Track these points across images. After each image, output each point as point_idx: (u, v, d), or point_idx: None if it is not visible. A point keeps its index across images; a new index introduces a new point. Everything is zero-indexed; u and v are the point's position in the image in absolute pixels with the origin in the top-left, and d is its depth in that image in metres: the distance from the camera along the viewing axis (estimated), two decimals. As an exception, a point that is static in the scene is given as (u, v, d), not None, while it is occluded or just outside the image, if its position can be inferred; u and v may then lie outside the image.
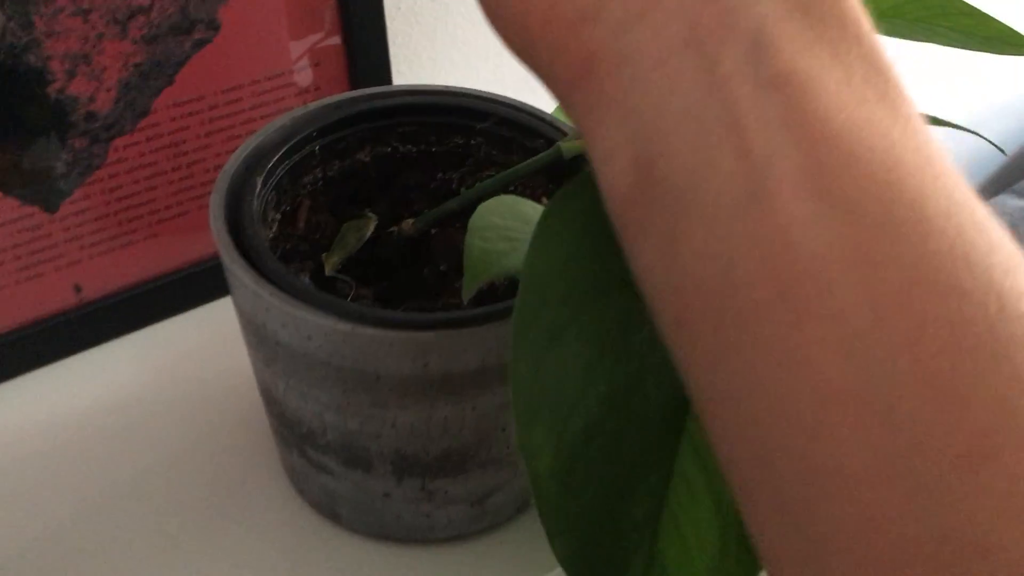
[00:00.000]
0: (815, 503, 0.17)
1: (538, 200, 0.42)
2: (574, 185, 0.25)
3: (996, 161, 1.37)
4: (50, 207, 0.47)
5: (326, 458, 0.40)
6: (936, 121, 0.36)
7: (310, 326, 0.34)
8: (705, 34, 0.19)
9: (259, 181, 0.38)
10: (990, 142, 0.43)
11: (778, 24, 0.19)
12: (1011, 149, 1.38)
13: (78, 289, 0.50)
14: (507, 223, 0.31)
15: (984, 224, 0.18)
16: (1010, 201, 1.19)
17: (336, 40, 0.53)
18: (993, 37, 0.42)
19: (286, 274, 0.35)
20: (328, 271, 0.40)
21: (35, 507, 0.44)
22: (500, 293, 0.39)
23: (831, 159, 0.18)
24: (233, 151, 0.47)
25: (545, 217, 0.25)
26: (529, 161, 0.39)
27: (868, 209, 0.18)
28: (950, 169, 0.19)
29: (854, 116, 0.18)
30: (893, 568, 0.17)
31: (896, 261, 0.17)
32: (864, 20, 0.20)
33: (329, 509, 0.43)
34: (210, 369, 0.51)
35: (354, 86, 0.54)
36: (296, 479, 0.44)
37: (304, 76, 0.52)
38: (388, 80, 0.55)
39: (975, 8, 0.41)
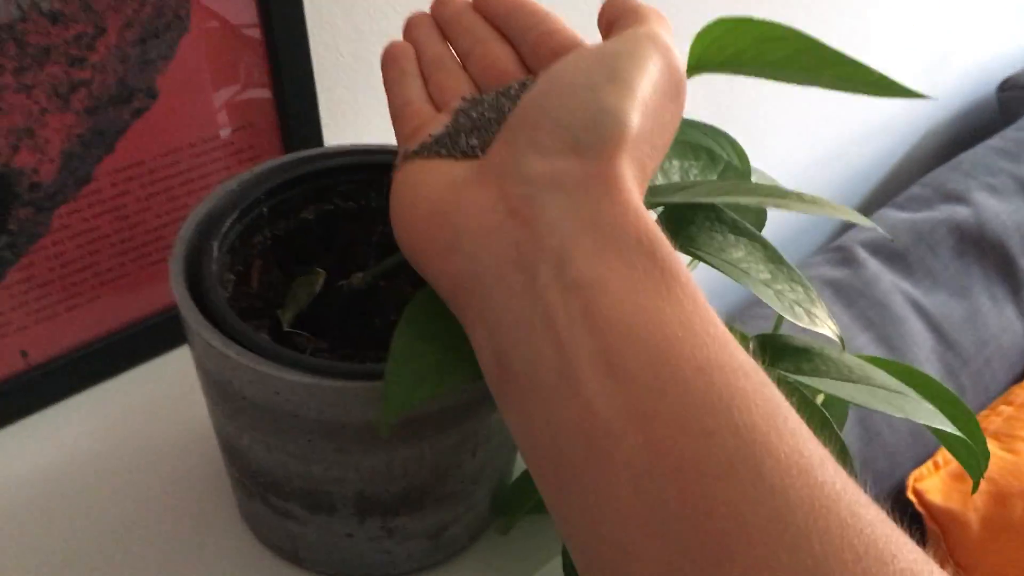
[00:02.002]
0: None
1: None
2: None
3: (878, 175, 1.46)
4: (-4, 276, 0.48)
5: (290, 504, 0.42)
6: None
7: (277, 382, 0.36)
8: (526, 255, 0.27)
9: (215, 245, 0.41)
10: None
11: (575, 240, 0.26)
12: (890, 165, 1.48)
13: (24, 354, 0.51)
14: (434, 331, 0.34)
15: (731, 369, 0.24)
16: (891, 213, 1.27)
17: (268, 98, 0.55)
18: (872, 83, 0.47)
19: (250, 334, 0.37)
20: (285, 327, 0.42)
21: (-3, 572, 0.45)
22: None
23: (615, 342, 0.24)
24: (172, 212, 0.49)
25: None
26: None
27: (642, 377, 0.24)
28: (708, 330, 0.25)
29: (633, 305, 0.25)
30: None
31: (662, 414, 0.23)
32: (643, 226, 0.27)
33: (291, 552, 0.45)
34: (160, 423, 0.52)
35: (286, 145, 0.56)
36: (257, 526, 0.46)
37: (238, 136, 0.55)
38: (319, 136, 0.57)
39: (855, 59, 0.47)
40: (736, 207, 0.44)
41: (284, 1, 0.52)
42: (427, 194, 0.31)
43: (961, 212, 1.24)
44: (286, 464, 0.40)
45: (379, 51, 0.65)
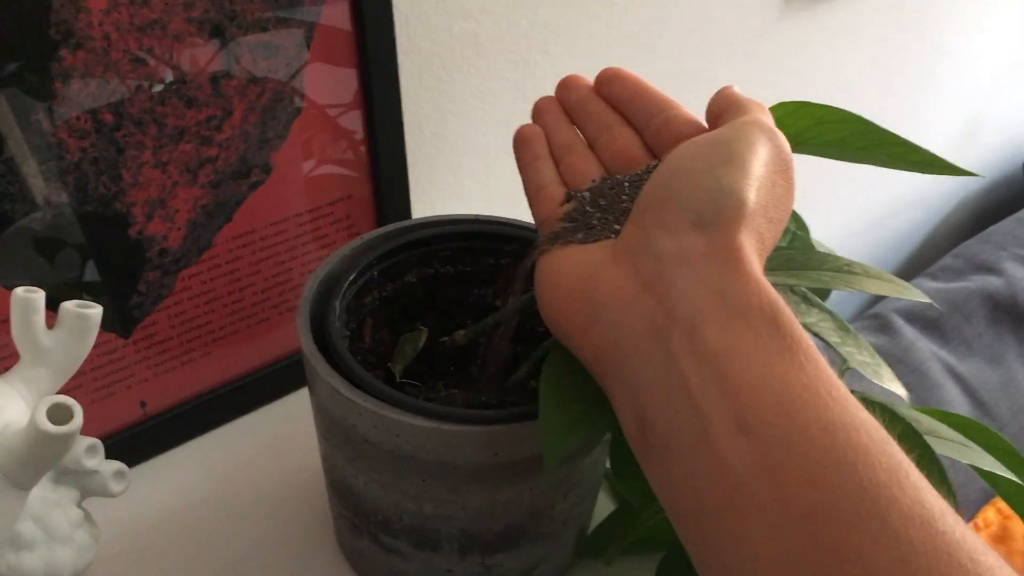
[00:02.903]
0: None
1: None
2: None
3: (910, 246, 1.50)
4: (125, 333, 0.53)
5: (397, 541, 0.46)
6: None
7: (400, 426, 0.40)
8: (660, 325, 0.30)
9: (337, 305, 0.45)
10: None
11: (705, 312, 0.29)
12: (922, 237, 1.52)
13: (143, 404, 0.55)
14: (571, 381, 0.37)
15: (853, 428, 0.26)
16: (925, 283, 1.31)
17: (365, 172, 0.60)
18: (920, 161, 0.51)
19: (373, 382, 0.42)
20: (397, 378, 0.46)
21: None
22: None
23: (746, 403, 0.27)
24: (278, 275, 0.55)
25: None
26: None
27: (771, 435, 0.26)
28: (832, 392, 0.27)
29: (761, 370, 0.27)
30: None
31: (790, 469, 0.26)
32: (765, 296, 0.29)
33: (393, 588, 0.49)
34: (264, 468, 0.56)
35: (379, 215, 0.62)
36: (360, 562, 0.50)
37: (337, 207, 0.60)
38: (408, 208, 0.63)
39: (908, 140, 0.51)
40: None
41: (383, 83, 0.58)
42: (568, 275, 0.34)
43: (993, 282, 1.27)
44: (399, 503, 0.44)
45: (458, 130, 0.71)
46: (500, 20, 0.69)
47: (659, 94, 0.40)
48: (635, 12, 0.79)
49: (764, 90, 1.00)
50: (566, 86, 0.42)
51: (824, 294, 0.51)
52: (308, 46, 0.54)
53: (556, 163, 0.41)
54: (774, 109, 0.45)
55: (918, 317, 1.22)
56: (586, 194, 0.38)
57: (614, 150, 0.39)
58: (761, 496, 0.26)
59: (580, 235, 0.36)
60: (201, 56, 0.50)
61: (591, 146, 0.41)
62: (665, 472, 0.29)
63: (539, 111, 0.43)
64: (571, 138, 0.41)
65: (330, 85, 0.56)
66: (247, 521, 0.53)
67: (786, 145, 0.34)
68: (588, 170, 0.39)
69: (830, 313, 0.46)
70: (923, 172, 0.50)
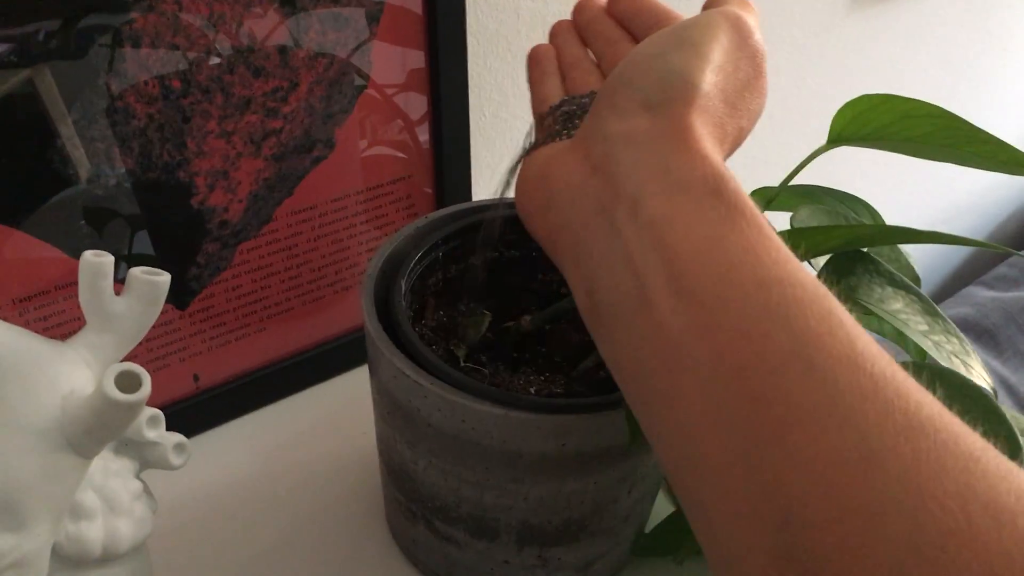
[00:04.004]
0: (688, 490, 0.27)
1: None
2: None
3: (965, 253, 1.47)
4: (181, 305, 0.52)
5: (454, 529, 0.45)
6: (939, 236, 0.43)
7: (466, 411, 0.39)
8: (606, 202, 0.31)
9: (403, 284, 0.44)
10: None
11: (646, 185, 0.30)
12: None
13: (196, 378, 0.55)
14: None
15: (789, 283, 0.26)
16: (979, 291, 1.28)
17: (427, 152, 0.59)
18: (1011, 161, 0.49)
19: (441, 364, 0.40)
20: (461, 362, 0.45)
21: (171, 579, 0.48)
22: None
23: (683, 267, 0.28)
24: (336, 253, 0.54)
25: None
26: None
27: (706, 295, 0.27)
28: (771, 254, 0.27)
29: (699, 235, 0.28)
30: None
31: (724, 325, 0.26)
32: (710, 169, 0.29)
33: (445, 577, 0.48)
34: (316, 448, 0.55)
35: (439, 196, 0.60)
36: (413, 549, 0.49)
37: (398, 187, 0.59)
38: (468, 189, 0.61)
39: (994, 136, 0.49)
40: (891, 260, 0.46)
41: (451, 65, 0.56)
42: (534, 167, 0.36)
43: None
44: (459, 490, 0.43)
45: (518, 113, 0.70)
46: (566, 1, 0.68)
47: (662, 6, 0.40)
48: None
49: (828, 87, 0.98)
50: (580, 8, 0.44)
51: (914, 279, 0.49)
52: (377, 22, 0.53)
53: (564, 80, 0.42)
54: (854, 102, 0.44)
55: (972, 326, 1.19)
56: (572, 100, 0.38)
57: (614, 63, 0.39)
58: (696, 353, 0.26)
59: (555, 136, 0.37)
60: (269, 25, 0.48)
61: (599, 63, 0.42)
62: (610, 339, 0.30)
63: (553, 33, 0.45)
64: (578, 55, 0.42)
65: (393, 65, 0.55)
66: (296, 501, 0.52)
67: (754, 33, 0.34)
68: (588, 83, 0.40)
69: (918, 294, 0.44)
70: (1011, 172, 0.48)
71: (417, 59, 0.56)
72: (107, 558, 0.36)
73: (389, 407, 0.43)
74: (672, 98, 0.31)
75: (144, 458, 0.38)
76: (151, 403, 0.53)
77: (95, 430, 0.33)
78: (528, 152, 0.38)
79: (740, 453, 0.25)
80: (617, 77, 0.33)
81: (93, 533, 0.35)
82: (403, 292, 0.44)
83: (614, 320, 0.30)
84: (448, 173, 0.60)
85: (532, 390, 0.44)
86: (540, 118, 0.40)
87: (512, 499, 0.42)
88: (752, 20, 0.35)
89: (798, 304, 0.26)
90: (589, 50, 0.43)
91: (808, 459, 0.24)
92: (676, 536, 0.49)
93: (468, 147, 0.60)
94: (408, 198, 0.60)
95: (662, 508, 0.53)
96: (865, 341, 0.26)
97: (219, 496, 0.52)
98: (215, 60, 0.47)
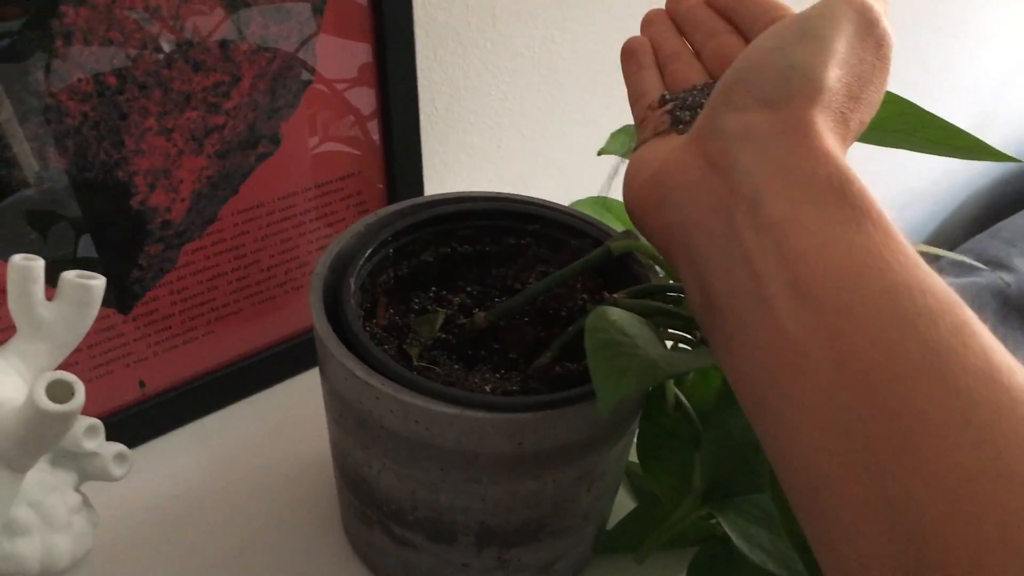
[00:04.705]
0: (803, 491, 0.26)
1: (594, 294, 0.47)
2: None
3: (918, 241, 1.48)
4: (124, 308, 0.50)
5: (411, 533, 0.44)
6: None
7: (420, 412, 0.38)
8: (723, 201, 0.30)
9: (352, 283, 0.43)
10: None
11: (765, 185, 0.29)
12: (929, 231, 1.50)
13: (142, 384, 0.53)
14: (615, 339, 0.36)
15: (919, 290, 0.25)
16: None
17: (377, 147, 0.58)
18: (962, 146, 0.49)
19: (392, 365, 0.39)
20: (415, 362, 0.44)
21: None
22: (575, 378, 0.44)
23: (804, 270, 0.27)
24: (284, 252, 0.52)
25: None
26: (584, 259, 0.44)
27: (829, 299, 0.26)
28: (898, 258, 0.26)
29: (822, 238, 0.27)
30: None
31: (847, 332, 0.25)
32: (833, 168, 0.28)
33: (403, 582, 0.47)
34: (266, 454, 0.54)
35: (390, 193, 0.59)
36: (370, 555, 0.48)
37: (347, 183, 0.57)
38: (420, 185, 0.60)
39: (948, 122, 0.49)
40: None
41: (399, 57, 0.55)
42: (646, 165, 0.34)
43: (1004, 277, 1.25)
44: (414, 493, 0.41)
45: (471, 107, 0.69)
46: (517, -7, 0.67)
47: None
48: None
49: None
50: None
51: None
52: (321, 14, 0.51)
53: (662, 72, 0.40)
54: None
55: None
56: (681, 95, 0.37)
57: (719, 56, 0.38)
58: (816, 358, 0.26)
59: (664, 131, 0.35)
60: (209, 18, 0.47)
61: (698, 55, 0.40)
62: (726, 341, 0.29)
63: (647, 23, 0.43)
64: (677, 47, 0.40)
65: (341, 59, 0.54)
66: (249, 508, 0.51)
67: (880, 20, 0.32)
68: (691, 76, 0.38)
69: None
70: (964, 157, 0.48)
71: (365, 52, 0.55)
72: (46, 575, 0.34)
73: (341, 410, 0.42)
74: (793, 95, 0.30)
75: (83, 470, 0.37)
76: (94, 411, 0.51)
77: (27, 443, 0.31)
78: (634, 150, 0.37)
79: (862, 464, 0.24)
80: (734, 72, 0.32)
81: (29, 550, 0.33)
82: (352, 290, 0.43)
83: (729, 321, 0.29)
84: (399, 169, 0.58)
85: (487, 388, 0.43)
86: (643, 113, 0.38)
87: (469, 500, 0.41)
88: (879, 5, 0.32)
89: (929, 313, 0.25)
90: (687, 41, 0.41)
91: (938, 474, 0.23)
92: (637, 533, 0.48)
93: (419, 142, 0.59)
94: (359, 194, 0.58)
95: (624, 505, 0.52)
96: (1002, 354, 0.24)
97: (168, 507, 0.51)
98: (152, 55, 0.46)
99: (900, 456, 0.23)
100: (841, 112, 0.31)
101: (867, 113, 0.32)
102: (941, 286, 0.26)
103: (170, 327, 0.53)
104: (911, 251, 0.27)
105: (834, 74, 0.30)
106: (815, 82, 0.30)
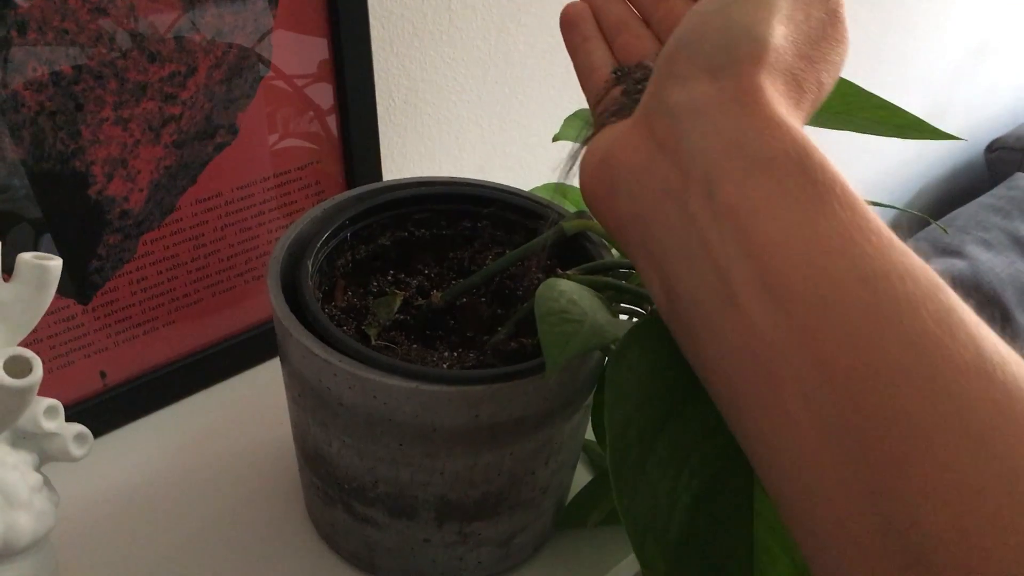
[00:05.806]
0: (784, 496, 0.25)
1: (549, 273, 0.48)
2: (644, 320, 0.33)
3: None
4: (84, 299, 0.51)
5: (372, 510, 0.44)
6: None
7: (377, 387, 0.39)
8: (675, 185, 0.27)
9: (309, 265, 0.44)
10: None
11: (721, 166, 0.26)
12: (885, 222, 1.53)
13: (103, 375, 0.53)
14: (563, 306, 0.37)
15: (897, 276, 0.23)
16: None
17: (335, 137, 0.58)
18: (903, 125, 0.50)
19: (349, 342, 0.40)
20: (373, 341, 0.45)
21: (83, 580, 0.47)
22: (530, 352, 0.44)
23: (771, 262, 0.24)
24: (244, 242, 0.53)
25: (619, 354, 0.32)
26: (538, 239, 0.45)
27: (802, 294, 0.24)
28: (870, 239, 0.24)
29: (786, 223, 0.25)
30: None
31: (825, 329, 0.23)
32: (789, 139, 0.26)
33: (367, 561, 0.47)
34: (229, 441, 0.54)
35: (349, 181, 0.60)
36: (333, 535, 0.48)
37: (306, 172, 0.58)
38: (379, 173, 0.61)
39: (888, 101, 0.50)
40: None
41: (354, 50, 0.56)
42: (597, 149, 0.32)
43: (957, 265, 1.28)
44: (374, 469, 0.42)
45: (428, 99, 0.69)
46: (472, -14, 0.68)
47: None
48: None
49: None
50: None
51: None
52: (276, 5, 0.52)
53: (609, 44, 0.37)
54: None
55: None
56: (634, 70, 0.35)
57: (672, 23, 0.34)
58: (795, 360, 0.23)
59: (617, 117, 0.33)
60: (164, 8, 0.47)
61: (647, 23, 0.37)
62: (693, 344, 0.27)
63: None
64: (623, 15, 0.38)
65: (299, 55, 0.54)
66: (211, 495, 0.51)
67: None
68: (643, 49, 0.36)
69: None
70: (906, 137, 0.49)
71: (323, 48, 0.55)
72: (7, 552, 0.35)
73: (300, 389, 0.43)
74: (737, 58, 0.27)
75: (43, 450, 0.37)
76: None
77: (-14, 419, 0.32)
78: (591, 135, 0.34)
79: (854, 478, 0.22)
80: (675, 40, 0.29)
81: (-10, 527, 0.34)
82: (310, 273, 0.44)
83: (697, 321, 0.26)
84: (358, 161, 0.59)
85: (445, 365, 0.44)
86: (596, 93, 0.36)
87: (428, 475, 0.42)
88: None
89: (910, 302, 0.22)
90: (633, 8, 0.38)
91: (939, 488, 0.21)
92: (593, 506, 0.49)
93: (376, 134, 0.59)
94: (318, 184, 0.59)
95: (583, 482, 0.53)
96: (991, 342, 0.22)
97: (131, 495, 0.51)
98: (107, 45, 0.46)
99: (894, 470, 0.21)
100: (792, 74, 0.28)
101: (824, 74, 0.30)
102: (920, 266, 0.24)
103: (130, 317, 0.53)
104: (883, 228, 0.24)
105: (779, 31, 0.28)
106: (758, 41, 0.28)
